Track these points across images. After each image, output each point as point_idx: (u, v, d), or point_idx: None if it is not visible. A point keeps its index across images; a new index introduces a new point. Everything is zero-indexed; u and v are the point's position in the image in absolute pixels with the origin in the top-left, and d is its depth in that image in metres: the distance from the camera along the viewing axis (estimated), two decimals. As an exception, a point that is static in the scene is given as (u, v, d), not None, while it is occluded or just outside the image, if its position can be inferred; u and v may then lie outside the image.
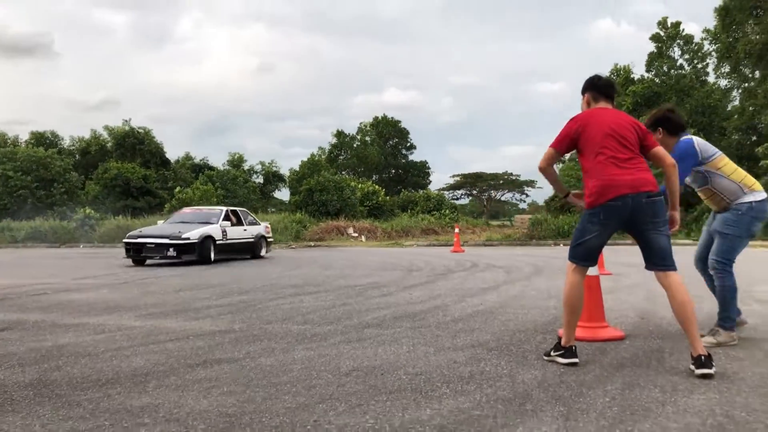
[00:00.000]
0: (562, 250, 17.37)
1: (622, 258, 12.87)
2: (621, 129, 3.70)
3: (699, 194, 4.44)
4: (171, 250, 13.45)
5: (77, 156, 45.98)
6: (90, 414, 2.95)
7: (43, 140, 45.54)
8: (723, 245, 4.28)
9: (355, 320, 5.51)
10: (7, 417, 2.93)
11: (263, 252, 16.32)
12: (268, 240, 16.70)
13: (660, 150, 3.77)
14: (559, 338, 3.87)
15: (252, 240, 15.82)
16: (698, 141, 4.31)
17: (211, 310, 6.22)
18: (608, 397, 3.10)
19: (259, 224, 16.55)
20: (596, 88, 3.95)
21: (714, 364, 3.47)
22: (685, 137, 4.33)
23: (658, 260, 3.66)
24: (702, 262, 4.60)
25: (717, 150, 4.37)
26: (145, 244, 13.67)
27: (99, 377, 3.64)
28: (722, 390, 3.18)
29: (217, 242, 14.24)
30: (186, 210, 16.63)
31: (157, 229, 14.66)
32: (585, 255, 3.78)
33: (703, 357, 3.44)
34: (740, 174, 4.32)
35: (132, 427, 2.76)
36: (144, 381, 3.55)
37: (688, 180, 4.39)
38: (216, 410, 2.98)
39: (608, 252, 14.20)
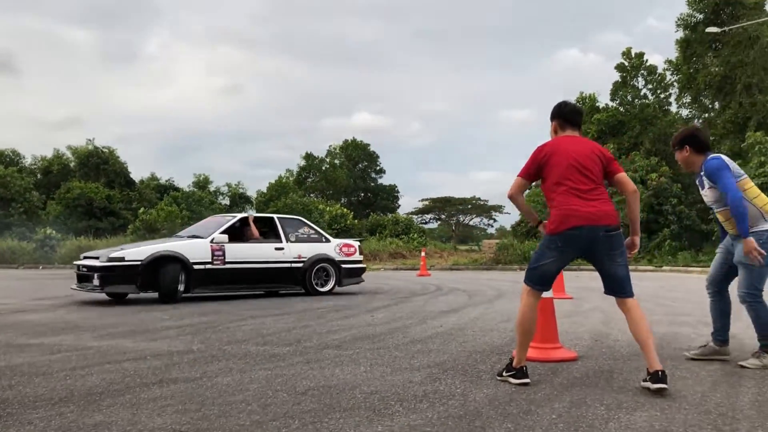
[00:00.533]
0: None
1: (583, 283, 13.10)
2: (584, 159, 3.78)
3: (717, 215, 4.44)
4: (96, 278, 8.95)
5: (39, 175, 45.21)
6: (41, 431, 2.94)
7: (2, 158, 44.69)
8: (750, 276, 4.28)
9: (315, 341, 5.54)
10: (-45, 435, 2.90)
11: (329, 286, 10.55)
12: (345, 266, 10.75)
13: (623, 176, 3.86)
14: (512, 359, 3.96)
15: (298, 265, 10.26)
16: (727, 159, 4.35)
17: (170, 331, 6.19)
18: (555, 414, 3.18)
19: (328, 241, 10.86)
20: (562, 115, 4.00)
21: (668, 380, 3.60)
22: (712, 155, 4.38)
23: (616, 288, 3.79)
24: (714, 285, 4.61)
25: (744, 172, 4.40)
26: (79, 267, 9.58)
27: (52, 396, 3.61)
28: (664, 407, 3.30)
29: (197, 267, 9.26)
30: (211, 217, 11.72)
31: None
32: (540, 279, 3.89)
33: (659, 372, 3.56)
34: (763, 199, 4.32)
35: (83, 444, 2.76)
36: (98, 399, 3.53)
37: (709, 199, 4.41)
38: (169, 427, 2.99)
39: (570, 277, 14.41)
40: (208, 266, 9.42)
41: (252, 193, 46.62)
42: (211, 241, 9.55)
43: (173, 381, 3.98)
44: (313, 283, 10.42)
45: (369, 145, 57.93)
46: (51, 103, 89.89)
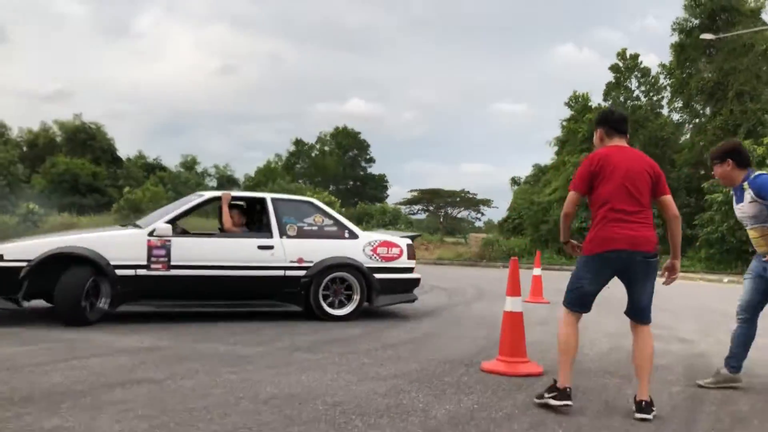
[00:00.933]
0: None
1: (561, 284, 13.07)
2: (635, 178, 3.68)
3: (749, 232, 4.38)
4: None
5: (24, 148, 44.84)
6: (-5, 436, 2.93)
7: (-12, 129, 44.32)
8: None
9: (286, 342, 5.53)
10: None
11: (349, 306, 6.90)
12: (381, 276, 7.06)
13: (668, 199, 3.79)
14: (555, 380, 3.82)
15: (296, 273, 6.76)
16: None
17: (142, 325, 6.14)
18: (512, 437, 3.21)
19: (353, 236, 7.17)
20: (609, 123, 3.87)
21: (654, 409, 3.63)
22: (758, 171, 4.31)
23: (636, 313, 3.78)
24: (747, 311, 4.50)
25: None
26: None
27: (12, 395, 3.60)
28: (623, 431, 3.33)
29: (122, 273, 6.12)
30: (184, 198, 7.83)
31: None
32: (577, 301, 3.79)
33: (644, 402, 3.61)
34: None
35: (36, 451, 2.76)
36: (59, 400, 3.52)
37: (744, 214, 4.34)
38: (126, 436, 2.99)
39: (551, 278, 14.30)
40: (142, 272, 6.22)
41: (240, 176, 46.50)
42: (150, 234, 6.33)
43: (137, 382, 3.97)
44: (322, 301, 6.75)
45: (360, 133, 57.78)
46: (41, 75, 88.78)
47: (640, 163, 3.76)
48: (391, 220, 40.12)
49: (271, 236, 6.84)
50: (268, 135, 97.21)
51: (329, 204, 36.97)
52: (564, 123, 35.97)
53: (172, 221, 6.59)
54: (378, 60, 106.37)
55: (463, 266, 22.59)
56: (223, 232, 7.17)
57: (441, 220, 63.37)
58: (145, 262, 6.28)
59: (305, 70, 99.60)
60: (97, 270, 6.06)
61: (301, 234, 6.98)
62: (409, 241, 7.42)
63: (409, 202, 61.61)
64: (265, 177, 38.98)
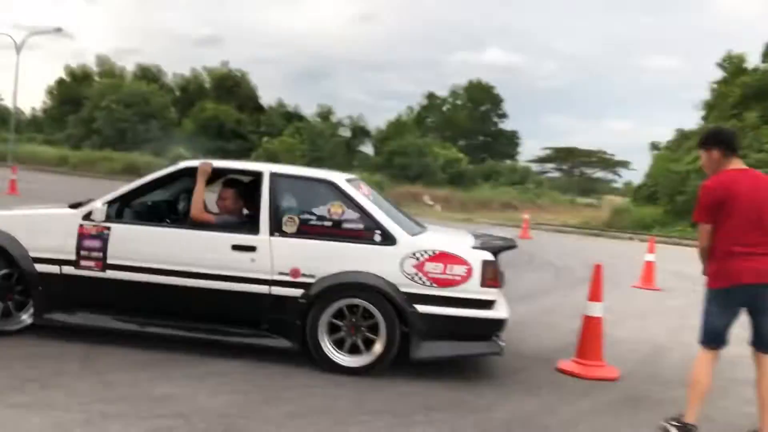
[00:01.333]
0: (635, 248, 17.04)
1: (685, 265, 12.47)
2: (760, 207, 3.56)
3: None
4: None
5: (177, 93, 48.13)
6: (119, 398, 3.56)
7: (147, 73, 47.87)
8: None
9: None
10: (50, 391, 3.58)
11: (370, 353, 4.33)
12: (427, 309, 4.29)
13: None
14: (682, 413, 3.75)
15: (288, 292, 4.39)
16: None
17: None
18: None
19: (390, 241, 4.38)
20: (726, 143, 3.74)
21: None
22: None
23: (762, 342, 3.72)
24: None
25: None
26: None
27: (136, 361, 4.23)
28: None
29: (43, 268, 4.49)
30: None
31: None
32: (712, 338, 3.71)
33: None
34: None
35: (148, 417, 3.35)
36: (172, 367, 4.15)
37: None
38: (219, 410, 3.54)
39: (677, 255, 13.57)
40: (69, 269, 4.53)
41: (378, 123, 47.13)
42: (84, 218, 4.57)
43: (236, 355, 4.45)
44: (325, 339, 4.37)
45: (494, 87, 56.47)
46: (194, 20, 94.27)
47: (764, 187, 3.64)
48: (520, 179, 39.64)
49: (256, 231, 4.52)
50: (404, 84, 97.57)
51: (457, 160, 36.89)
52: (714, 85, 33.44)
53: (115, 202, 4.69)
54: (520, 7, 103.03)
55: (586, 236, 22.01)
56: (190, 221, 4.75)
57: (575, 179, 61.56)
58: (73, 257, 4.54)
59: (445, 18, 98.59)
60: (9, 261, 4.53)
61: (304, 231, 4.51)
62: (488, 256, 4.44)
63: (542, 160, 60.22)
64: (395, 131, 39.50)
